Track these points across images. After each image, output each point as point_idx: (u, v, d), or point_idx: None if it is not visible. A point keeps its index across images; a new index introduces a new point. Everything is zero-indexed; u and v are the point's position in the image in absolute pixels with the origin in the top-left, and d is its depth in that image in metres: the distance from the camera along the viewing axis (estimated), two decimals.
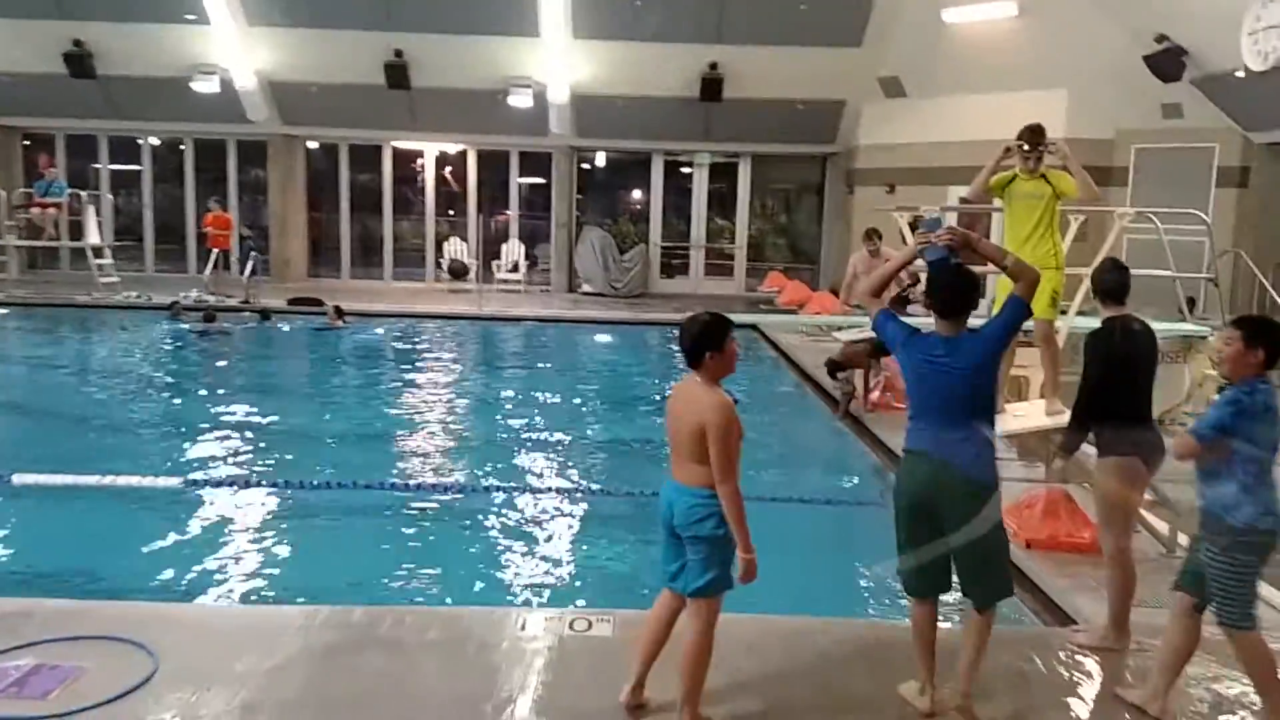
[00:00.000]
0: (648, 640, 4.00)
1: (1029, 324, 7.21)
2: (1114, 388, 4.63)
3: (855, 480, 8.49)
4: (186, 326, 15.54)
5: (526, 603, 5.72)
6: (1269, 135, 14.41)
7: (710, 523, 3.75)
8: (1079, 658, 4.62)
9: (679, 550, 3.87)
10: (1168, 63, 13.97)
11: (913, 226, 10.87)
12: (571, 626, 4.70)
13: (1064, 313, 7.56)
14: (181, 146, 21.38)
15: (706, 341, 3.83)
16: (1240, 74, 12.22)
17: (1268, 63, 11.67)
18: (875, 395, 10.13)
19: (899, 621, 5.28)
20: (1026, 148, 6.99)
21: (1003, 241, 7.32)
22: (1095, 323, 5.00)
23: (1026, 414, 7.26)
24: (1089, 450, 6.85)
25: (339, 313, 16.00)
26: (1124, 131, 15.93)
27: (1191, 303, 12.01)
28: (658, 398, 11.41)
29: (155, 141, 21.56)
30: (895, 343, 4.15)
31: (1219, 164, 14.97)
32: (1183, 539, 6.00)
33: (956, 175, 16.98)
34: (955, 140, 17.01)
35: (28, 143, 21.21)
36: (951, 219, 15.84)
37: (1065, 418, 6.58)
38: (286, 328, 16.07)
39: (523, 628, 4.69)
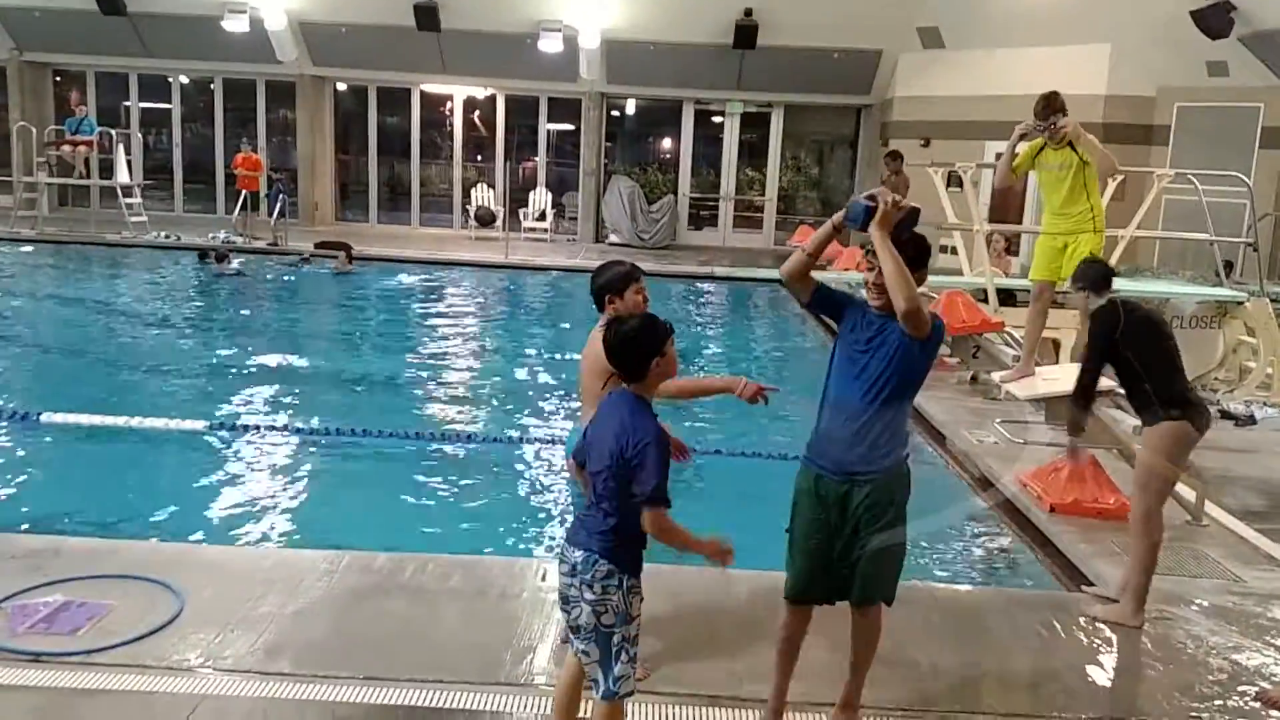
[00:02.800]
0: None
1: (1067, 285, 7.14)
2: (1152, 360, 4.59)
3: None
4: (211, 267, 15.61)
5: (546, 554, 5.74)
6: None
7: None
8: (1098, 624, 4.60)
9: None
10: (1216, 18, 13.59)
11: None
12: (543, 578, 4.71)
13: None
14: (211, 86, 21.31)
15: (609, 288, 3.81)
16: None
17: None
18: None
19: (912, 581, 5.28)
20: (1038, 119, 6.83)
21: (1039, 211, 7.25)
22: (1133, 284, 4.95)
23: (1058, 377, 7.18)
24: (1118, 416, 6.79)
25: (349, 257, 15.98)
26: (1166, 89, 15.55)
27: (1229, 266, 11.80)
28: (680, 351, 11.38)
29: (185, 80, 21.51)
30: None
31: (1264, 124, 14.61)
32: (1211, 507, 5.95)
33: (994, 130, 16.64)
34: (994, 94, 16.65)
35: (58, 79, 21.23)
36: (987, 176, 15.66)
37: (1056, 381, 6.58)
38: (308, 271, 16.10)
39: (543, 578, 4.71)
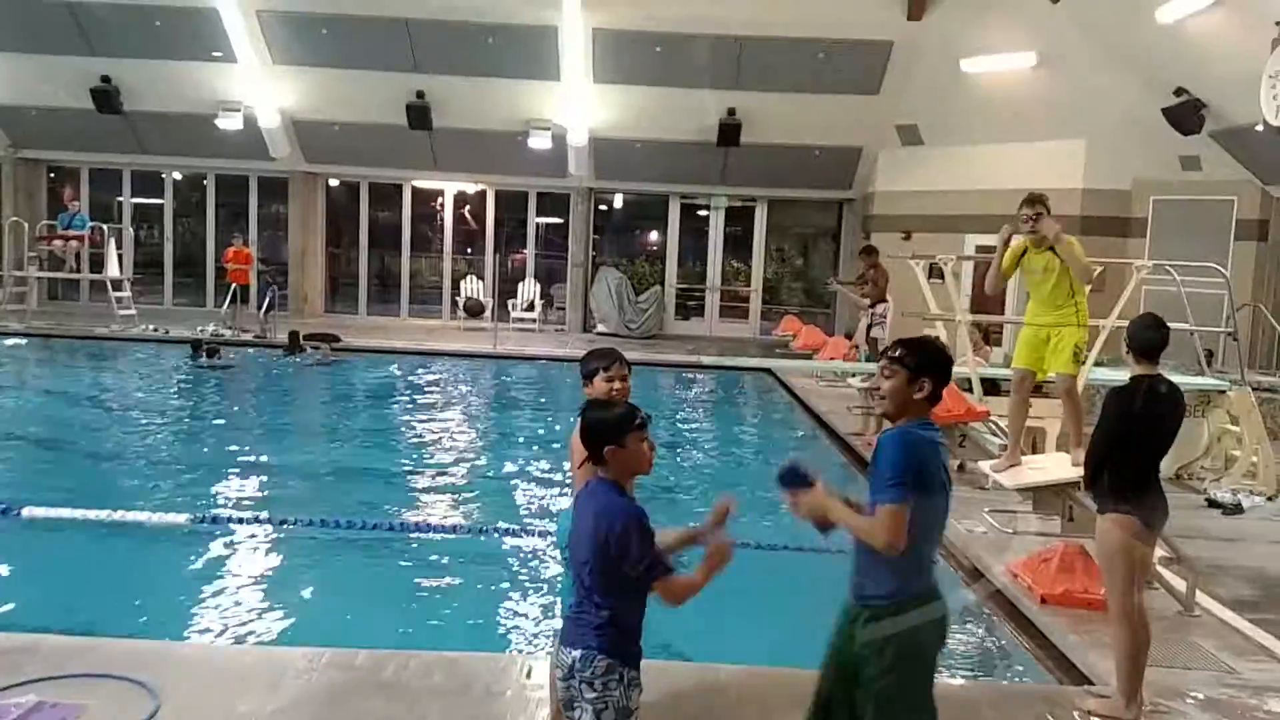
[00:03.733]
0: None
1: (1051, 375, 7.18)
2: (1126, 448, 4.53)
3: None
4: (202, 364, 15.62)
5: (533, 649, 5.65)
6: None
7: None
8: (1094, 718, 4.52)
9: None
10: (1186, 115, 13.98)
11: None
12: None
13: (1082, 363, 7.50)
14: (204, 181, 21.62)
15: (590, 374, 3.85)
16: (1259, 127, 12.20)
17: None
18: None
19: None
20: (1025, 217, 7.00)
21: (1021, 302, 7.36)
22: (1115, 374, 4.95)
23: (1044, 466, 7.18)
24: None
25: (294, 340, 15.96)
26: (1142, 182, 15.91)
27: (1210, 355, 11.92)
28: (670, 439, 11.37)
29: (178, 176, 21.83)
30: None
31: (1238, 216, 14.92)
32: (1202, 598, 5.91)
33: (973, 224, 17.02)
34: (972, 189, 17.05)
35: (53, 175, 21.51)
36: (968, 268, 15.91)
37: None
38: (294, 362, 16.08)
39: (528, 675, 4.63)
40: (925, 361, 3.23)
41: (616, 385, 3.81)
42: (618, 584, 2.96)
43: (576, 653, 3.01)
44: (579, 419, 3.20)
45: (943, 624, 3.26)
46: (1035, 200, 7.07)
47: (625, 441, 3.06)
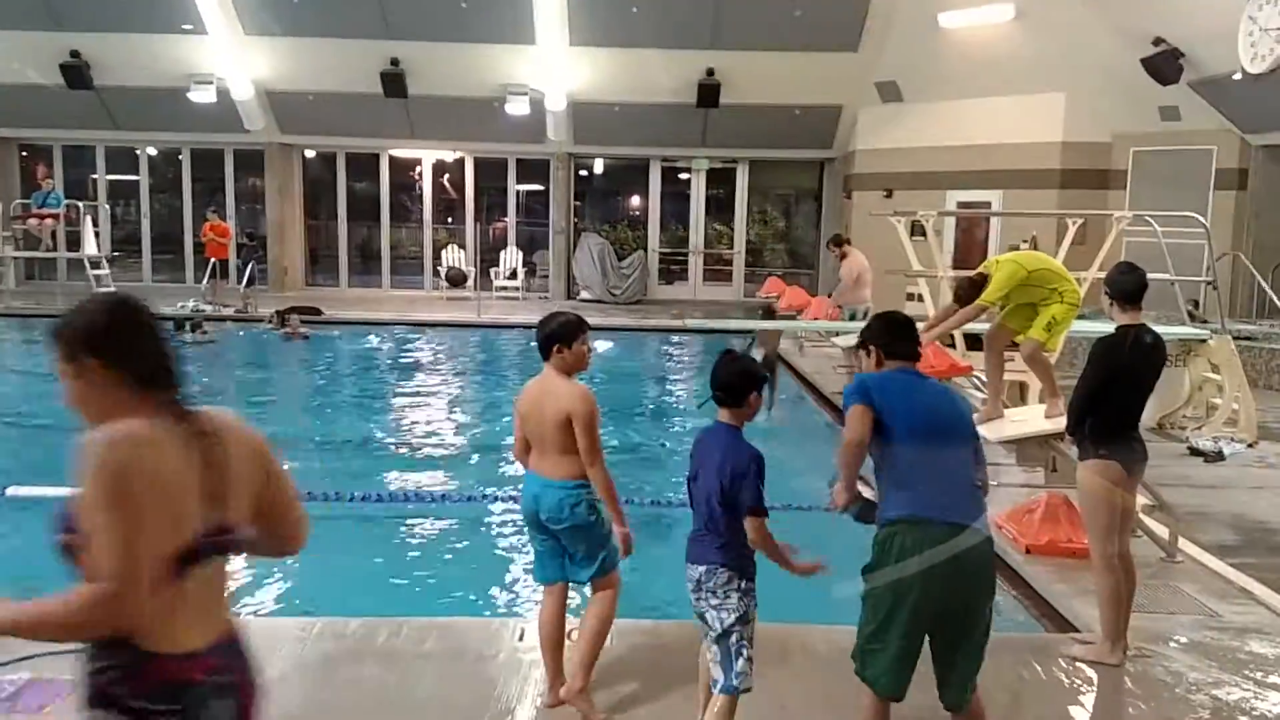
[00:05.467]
0: (553, 642, 4.09)
1: (1021, 339, 7.11)
2: (1110, 396, 4.56)
3: None
4: (185, 339, 15.51)
5: (524, 613, 5.68)
6: (1266, 137, 14.39)
7: (582, 509, 3.91)
8: (1079, 664, 4.59)
9: (556, 546, 4.01)
10: (1165, 65, 13.96)
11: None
12: (570, 637, 4.65)
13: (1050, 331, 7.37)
14: (179, 156, 21.38)
15: (558, 337, 3.97)
16: (1237, 76, 12.22)
17: (1264, 65, 11.68)
18: None
19: None
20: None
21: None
22: (1095, 326, 4.96)
23: (1025, 419, 7.23)
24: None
25: (297, 319, 15.82)
26: (1121, 135, 15.92)
27: (1195, 305, 11.99)
28: (655, 404, 11.40)
29: (153, 151, 21.59)
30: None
31: (1217, 166, 14.95)
32: (1184, 544, 5.99)
33: (954, 179, 17.02)
34: (953, 145, 17.03)
35: (25, 153, 21.23)
36: (949, 224, 15.90)
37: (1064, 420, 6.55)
38: (275, 336, 15.98)
39: (520, 638, 4.66)
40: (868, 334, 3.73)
41: (588, 347, 4.07)
42: (735, 510, 3.40)
43: (701, 568, 3.48)
44: (721, 366, 3.59)
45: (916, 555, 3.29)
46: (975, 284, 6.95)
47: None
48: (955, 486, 3.41)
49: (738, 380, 3.56)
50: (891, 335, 3.67)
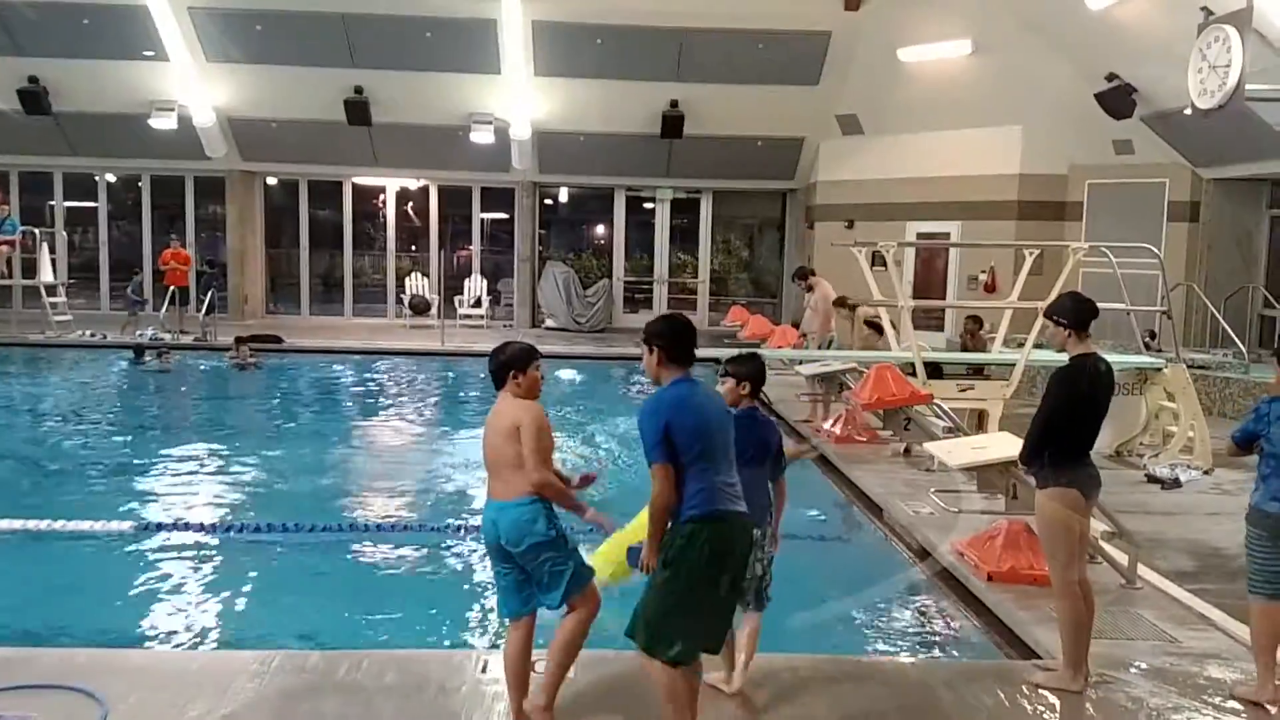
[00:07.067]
0: (518, 679, 4.06)
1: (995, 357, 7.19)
2: (1070, 426, 4.62)
3: (818, 514, 8.47)
4: (142, 365, 15.30)
5: (486, 644, 5.62)
6: (1217, 171, 14.73)
7: (540, 524, 3.90)
8: (1042, 691, 4.62)
9: (520, 576, 3.99)
10: (1118, 100, 14.27)
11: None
12: (535, 669, 4.61)
13: (1021, 345, 7.60)
14: (139, 183, 21.17)
15: (512, 364, 4.05)
16: (1188, 111, 12.50)
17: (1213, 101, 11.95)
18: (837, 429, 10.17)
19: (859, 656, 5.27)
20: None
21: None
22: (1053, 356, 5.02)
23: (985, 446, 7.30)
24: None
25: (249, 350, 15.59)
26: (1077, 167, 16.23)
27: (1152, 335, 12.19)
28: (621, 430, 11.36)
29: (112, 178, 21.36)
30: None
31: (1170, 199, 15.27)
32: (1143, 570, 6.05)
33: (914, 211, 17.25)
34: (913, 176, 17.28)
35: None
36: (909, 254, 16.08)
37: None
38: (206, 366, 15.75)
39: (484, 670, 4.61)
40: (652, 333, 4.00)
41: (540, 374, 4.15)
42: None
43: (756, 532, 4.07)
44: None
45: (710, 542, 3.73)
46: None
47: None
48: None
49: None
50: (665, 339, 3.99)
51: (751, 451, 4.32)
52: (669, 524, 3.74)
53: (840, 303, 12.60)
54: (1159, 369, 10.00)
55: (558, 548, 3.94)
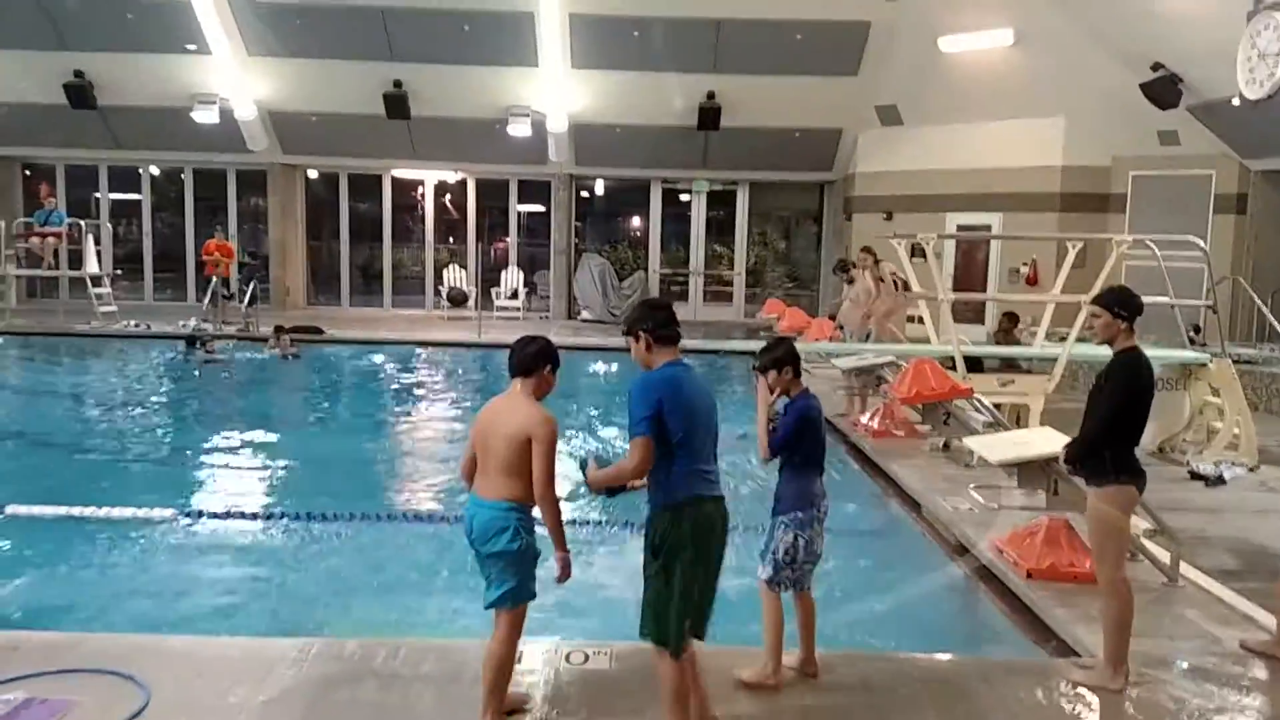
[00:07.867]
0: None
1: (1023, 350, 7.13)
2: (1134, 420, 4.57)
3: (855, 509, 8.41)
4: (191, 357, 15.51)
5: (522, 634, 5.64)
6: (1265, 163, 14.45)
7: (506, 536, 3.88)
8: (1081, 689, 4.57)
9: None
10: (1164, 90, 14.03)
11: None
12: (568, 659, 4.64)
13: (1063, 339, 7.51)
14: (181, 175, 21.46)
15: (547, 358, 4.03)
16: (1236, 102, 12.27)
17: (1262, 91, 11.72)
18: (875, 423, 10.11)
19: (893, 651, 5.23)
20: None
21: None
22: (1097, 349, 4.93)
23: (1030, 441, 7.20)
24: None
25: (290, 340, 15.76)
26: (1121, 159, 15.98)
27: (1197, 330, 12.00)
28: None
29: (155, 171, 21.67)
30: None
31: (1216, 191, 15.00)
32: (1185, 568, 5.96)
33: (954, 202, 17.08)
34: (952, 168, 17.12)
35: (28, 172, 21.31)
36: (949, 246, 15.90)
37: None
38: (258, 356, 15.92)
39: (519, 660, 4.62)
40: (634, 321, 3.98)
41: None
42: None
43: None
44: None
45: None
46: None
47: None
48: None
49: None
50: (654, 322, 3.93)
51: (820, 452, 4.54)
52: (652, 511, 3.83)
53: (866, 250, 12.56)
54: (1204, 364, 9.83)
55: (518, 560, 3.91)
